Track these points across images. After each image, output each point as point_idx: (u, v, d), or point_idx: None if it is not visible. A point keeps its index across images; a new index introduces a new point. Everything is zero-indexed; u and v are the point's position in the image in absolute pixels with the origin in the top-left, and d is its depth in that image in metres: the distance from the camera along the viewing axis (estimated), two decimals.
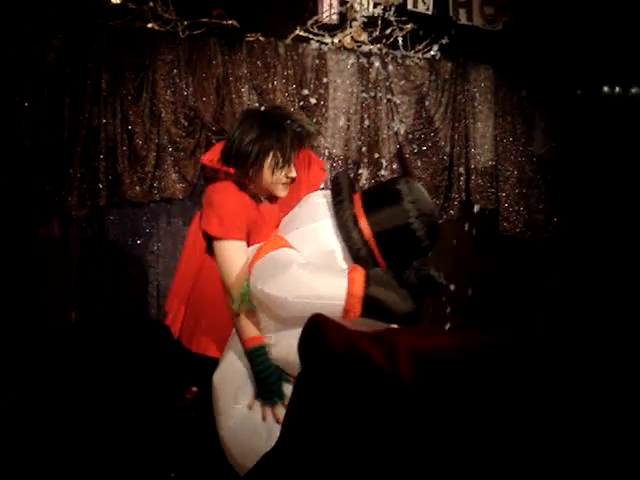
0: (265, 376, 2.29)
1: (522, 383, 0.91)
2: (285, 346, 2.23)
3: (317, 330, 0.91)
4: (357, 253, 2.18)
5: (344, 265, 2.21)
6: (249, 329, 2.39)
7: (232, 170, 2.53)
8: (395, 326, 2.13)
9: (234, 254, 2.54)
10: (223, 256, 2.55)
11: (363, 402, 0.85)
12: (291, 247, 2.26)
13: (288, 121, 2.56)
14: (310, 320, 0.95)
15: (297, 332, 1.21)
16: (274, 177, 2.57)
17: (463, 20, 4.28)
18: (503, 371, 0.92)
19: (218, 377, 2.32)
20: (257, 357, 2.32)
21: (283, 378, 2.28)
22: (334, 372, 0.87)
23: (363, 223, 2.19)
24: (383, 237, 2.18)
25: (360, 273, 2.13)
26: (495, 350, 0.95)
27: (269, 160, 2.53)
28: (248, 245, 2.52)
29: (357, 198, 2.26)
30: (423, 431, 0.84)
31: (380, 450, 0.84)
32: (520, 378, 0.91)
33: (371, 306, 2.12)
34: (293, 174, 2.60)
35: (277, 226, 2.55)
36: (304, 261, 2.19)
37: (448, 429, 0.85)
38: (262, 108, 2.73)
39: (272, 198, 2.67)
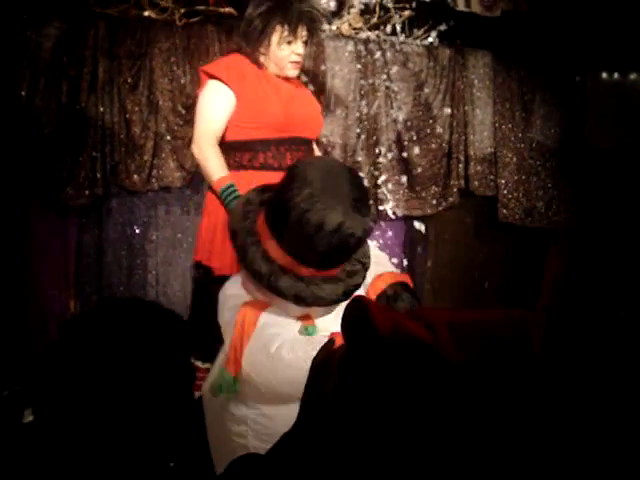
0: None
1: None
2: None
3: (362, 314, 0.90)
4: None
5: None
6: (216, 171, 2.54)
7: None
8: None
9: (213, 95, 2.76)
10: (203, 93, 2.81)
11: (415, 381, 0.85)
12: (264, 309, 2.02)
13: None
14: (353, 304, 0.94)
15: None
16: (281, 52, 2.70)
17: (461, 7, 4.25)
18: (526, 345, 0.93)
19: (207, 387, 2.28)
20: (228, 195, 2.54)
21: None
22: (384, 354, 0.87)
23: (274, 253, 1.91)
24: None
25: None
26: (522, 322, 0.96)
27: (276, 34, 2.69)
28: (244, 97, 2.71)
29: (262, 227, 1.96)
30: (473, 404, 0.84)
31: (435, 427, 0.83)
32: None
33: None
34: (300, 50, 2.75)
35: (293, 101, 2.76)
36: (278, 341, 1.92)
37: (495, 403, 0.85)
38: None
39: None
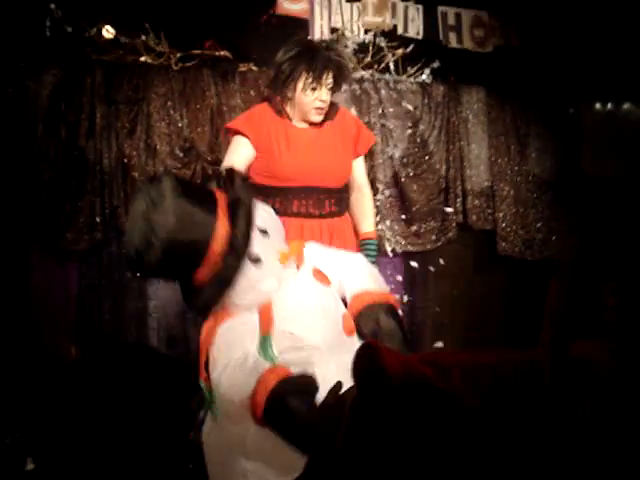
0: None
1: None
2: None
3: (372, 359, 0.90)
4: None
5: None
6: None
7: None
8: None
9: (232, 145, 2.91)
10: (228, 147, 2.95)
11: (430, 426, 0.84)
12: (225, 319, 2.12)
13: (324, 45, 2.83)
14: (363, 349, 0.94)
15: None
16: (306, 98, 2.79)
17: (453, 43, 4.31)
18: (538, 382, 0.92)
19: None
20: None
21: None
22: (397, 400, 0.86)
23: None
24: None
25: (271, 379, 1.94)
26: (529, 364, 0.96)
27: (302, 80, 2.77)
28: (259, 146, 2.83)
29: None
30: (486, 444, 0.83)
31: (450, 472, 0.83)
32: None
33: (273, 415, 1.93)
34: (324, 97, 2.80)
35: (310, 150, 2.82)
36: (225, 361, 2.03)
37: (508, 440, 0.85)
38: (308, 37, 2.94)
39: (312, 124, 2.89)
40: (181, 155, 3.79)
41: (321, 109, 2.85)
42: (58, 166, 3.63)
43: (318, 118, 2.88)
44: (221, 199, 2.04)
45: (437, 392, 0.87)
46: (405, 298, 4.36)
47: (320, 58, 2.77)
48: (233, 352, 2.04)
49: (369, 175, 4.10)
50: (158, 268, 2.00)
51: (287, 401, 1.90)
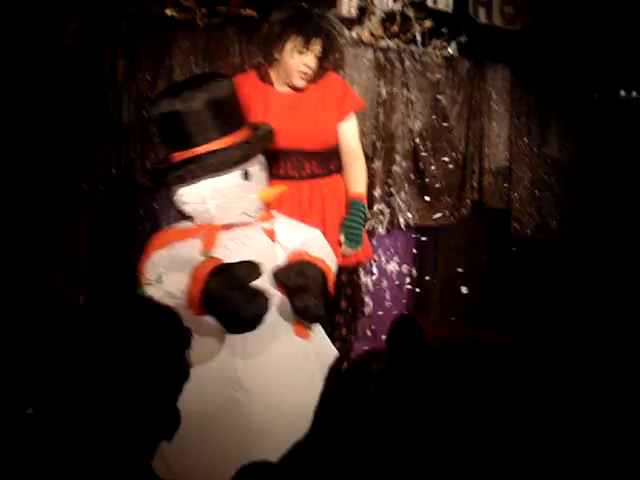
0: None
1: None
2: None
3: (413, 329, 0.89)
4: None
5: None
6: None
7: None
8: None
9: None
10: None
11: (463, 391, 0.84)
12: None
13: (317, 11, 2.87)
14: (402, 320, 0.93)
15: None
16: (291, 60, 2.83)
17: (482, 19, 4.26)
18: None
19: None
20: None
21: None
22: (433, 365, 0.86)
23: None
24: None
25: (204, 268, 2.20)
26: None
27: (290, 42, 2.82)
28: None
29: None
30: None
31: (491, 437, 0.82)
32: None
33: (211, 304, 2.17)
34: (309, 62, 2.85)
35: (290, 113, 2.90)
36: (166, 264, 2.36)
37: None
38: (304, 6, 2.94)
39: (295, 89, 2.95)
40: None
41: (305, 74, 2.88)
42: (77, 116, 3.62)
43: (301, 83, 2.91)
44: None
45: (469, 358, 0.86)
46: (414, 272, 4.36)
47: (312, 23, 2.82)
48: (175, 260, 2.34)
49: (388, 145, 4.11)
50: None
51: (211, 289, 2.15)
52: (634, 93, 4.71)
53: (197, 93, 2.41)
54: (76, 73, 3.61)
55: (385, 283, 4.19)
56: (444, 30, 4.16)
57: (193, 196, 2.46)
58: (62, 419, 1.33)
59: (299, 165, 2.95)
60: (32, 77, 3.55)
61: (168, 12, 3.73)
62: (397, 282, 4.30)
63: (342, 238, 2.96)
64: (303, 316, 2.34)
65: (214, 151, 2.41)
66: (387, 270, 4.22)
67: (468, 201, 4.36)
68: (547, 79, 4.54)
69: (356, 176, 3.06)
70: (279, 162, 2.94)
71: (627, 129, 4.72)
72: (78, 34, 3.62)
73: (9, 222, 3.51)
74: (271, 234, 2.54)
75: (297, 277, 2.31)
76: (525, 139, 4.49)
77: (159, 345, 1.40)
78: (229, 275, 2.17)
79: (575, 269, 4.73)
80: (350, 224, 2.96)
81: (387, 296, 4.21)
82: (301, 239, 2.56)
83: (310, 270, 2.35)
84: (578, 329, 4.54)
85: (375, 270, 4.14)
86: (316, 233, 2.66)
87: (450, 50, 4.19)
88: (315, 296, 2.30)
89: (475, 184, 4.37)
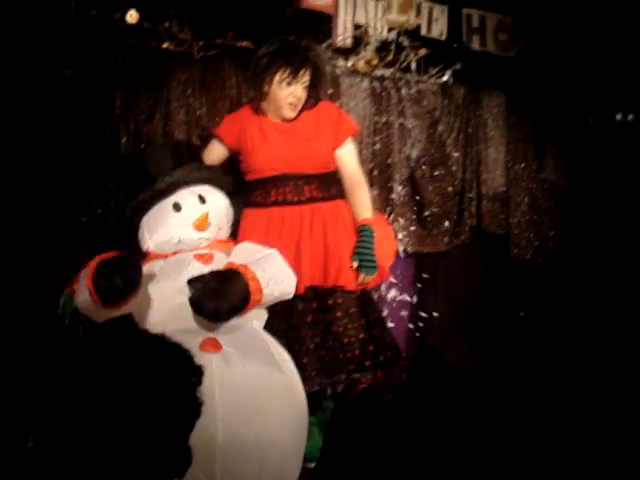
0: None
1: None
2: None
3: (434, 356, 0.92)
4: None
5: None
6: None
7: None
8: None
9: (207, 146, 3.22)
10: None
11: (490, 415, 0.85)
12: None
13: (304, 43, 2.94)
14: (422, 348, 0.96)
15: None
16: (281, 92, 2.90)
17: (476, 46, 4.30)
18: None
19: None
20: None
21: None
22: (459, 393, 0.87)
23: None
24: None
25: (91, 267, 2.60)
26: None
27: (279, 74, 2.89)
28: (240, 146, 3.06)
29: None
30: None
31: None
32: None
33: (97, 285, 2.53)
34: (298, 93, 2.92)
35: (285, 138, 2.97)
36: None
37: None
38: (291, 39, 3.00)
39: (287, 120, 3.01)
40: (198, 143, 3.78)
41: (295, 105, 2.94)
42: (76, 147, 3.62)
43: (291, 114, 2.98)
44: None
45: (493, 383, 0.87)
46: (414, 299, 4.35)
47: (299, 54, 2.89)
48: None
49: (385, 174, 4.12)
50: None
51: (98, 281, 2.47)
52: (630, 116, 4.73)
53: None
54: (74, 106, 3.62)
55: (385, 311, 4.18)
56: (439, 58, 4.19)
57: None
58: (75, 461, 1.32)
59: (298, 190, 2.98)
60: (31, 110, 3.56)
61: (165, 45, 3.76)
62: (397, 309, 4.28)
63: (355, 264, 2.99)
64: (211, 318, 2.37)
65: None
66: (387, 297, 4.21)
67: (467, 227, 4.36)
68: (542, 104, 4.57)
69: (361, 202, 3.09)
70: (278, 188, 2.98)
71: (623, 152, 4.74)
72: (76, 67, 3.64)
73: (10, 255, 3.51)
74: (206, 259, 2.69)
75: (212, 280, 2.39)
76: (522, 164, 4.51)
77: (171, 383, 1.40)
78: (107, 263, 2.47)
79: (575, 292, 4.73)
80: (361, 251, 2.99)
81: (388, 323, 4.20)
82: (250, 258, 2.61)
83: (227, 274, 2.43)
84: (578, 352, 4.53)
85: (374, 297, 4.13)
86: (268, 251, 2.71)
87: (445, 77, 4.21)
88: (227, 299, 2.36)
89: (473, 210, 4.38)
